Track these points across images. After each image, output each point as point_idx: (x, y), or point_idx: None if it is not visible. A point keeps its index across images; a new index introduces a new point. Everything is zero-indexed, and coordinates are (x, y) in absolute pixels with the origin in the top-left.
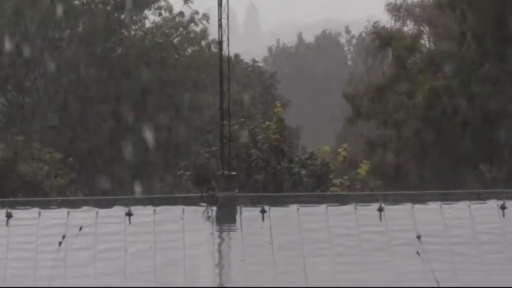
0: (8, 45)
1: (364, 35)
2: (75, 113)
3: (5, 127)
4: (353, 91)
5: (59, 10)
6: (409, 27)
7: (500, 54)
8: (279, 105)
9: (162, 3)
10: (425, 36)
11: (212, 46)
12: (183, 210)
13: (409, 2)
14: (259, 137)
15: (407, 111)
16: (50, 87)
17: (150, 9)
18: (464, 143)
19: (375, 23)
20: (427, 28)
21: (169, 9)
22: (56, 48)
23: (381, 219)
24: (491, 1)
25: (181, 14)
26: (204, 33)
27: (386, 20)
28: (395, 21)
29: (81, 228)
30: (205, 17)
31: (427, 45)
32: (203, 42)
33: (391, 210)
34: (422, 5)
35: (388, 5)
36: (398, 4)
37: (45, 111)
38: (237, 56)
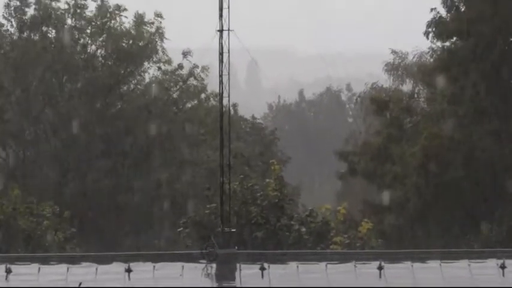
0: (9, 100)
1: (363, 95)
2: (75, 167)
3: (5, 181)
4: (347, 149)
5: (60, 65)
6: (408, 85)
7: (499, 109)
8: (276, 163)
9: (161, 56)
10: (423, 95)
11: (212, 99)
12: (183, 266)
13: (407, 62)
14: (259, 194)
15: (407, 169)
16: (51, 142)
17: (149, 62)
18: (465, 201)
19: (373, 84)
20: (424, 87)
21: (169, 62)
22: (57, 102)
23: (380, 277)
24: (485, 59)
25: (180, 67)
26: (203, 86)
27: (386, 79)
28: (393, 80)
29: (80, 284)
30: (205, 69)
31: (424, 105)
32: (202, 95)
33: (391, 268)
34: (420, 63)
35: (386, 65)
36: (396, 63)
37: (45, 166)
38: (235, 105)
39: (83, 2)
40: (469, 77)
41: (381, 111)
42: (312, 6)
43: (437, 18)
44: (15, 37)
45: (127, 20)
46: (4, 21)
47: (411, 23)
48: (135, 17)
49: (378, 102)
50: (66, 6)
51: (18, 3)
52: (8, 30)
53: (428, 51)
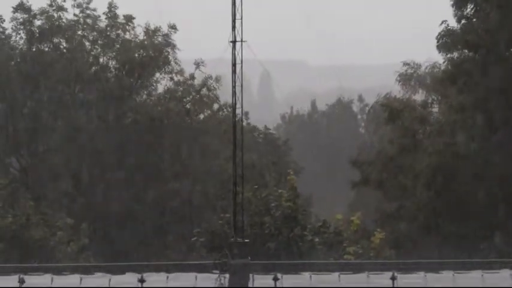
0: (21, 111)
1: (375, 105)
2: (87, 178)
3: (18, 192)
4: (361, 158)
5: (72, 76)
6: (420, 96)
7: (509, 121)
8: (292, 173)
9: (173, 67)
10: (435, 106)
11: (224, 109)
12: (196, 277)
13: (419, 73)
14: (272, 205)
15: (419, 180)
16: (63, 153)
17: (161, 73)
18: (478, 211)
19: (386, 94)
20: (437, 98)
21: (181, 73)
22: (69, 113)
23: (394, 287)
24: (496, 70)
25: (192, 77)
26: (216, 97)
27: (399, 90)
28: (407, 92)
29: None
30: (218, 80)
31: (437, 115)
32: (215, 106)
33: (404, 278)
34: (432, 74)
35: (399, 75)
36: (409, 74)
37: (57, 177)
38: (246, 114)
39: (92, 13)
40: (478, 89)
41: (393, 120)
42: (323, 18)
43: (446, 31)
44: (25, 48)
45: (139, 31)
46: (13, 33)
47: (424, 34)
48: (146, 28)
49: (391, 109)
50: (75, 18)
51: (25, 15)
52: (17, 41)
53: (443, 61)
